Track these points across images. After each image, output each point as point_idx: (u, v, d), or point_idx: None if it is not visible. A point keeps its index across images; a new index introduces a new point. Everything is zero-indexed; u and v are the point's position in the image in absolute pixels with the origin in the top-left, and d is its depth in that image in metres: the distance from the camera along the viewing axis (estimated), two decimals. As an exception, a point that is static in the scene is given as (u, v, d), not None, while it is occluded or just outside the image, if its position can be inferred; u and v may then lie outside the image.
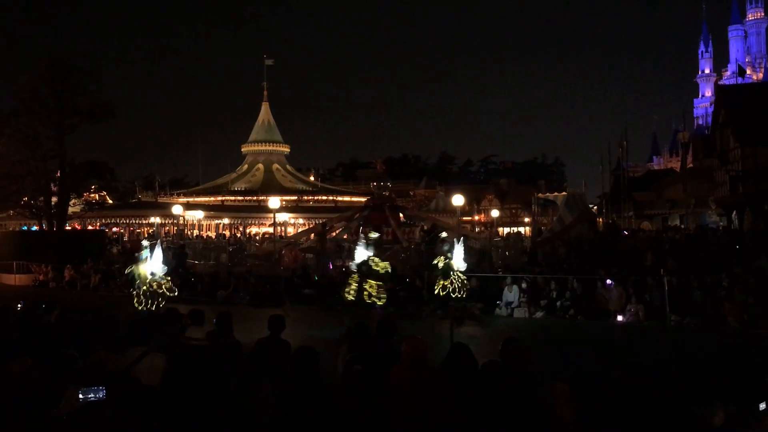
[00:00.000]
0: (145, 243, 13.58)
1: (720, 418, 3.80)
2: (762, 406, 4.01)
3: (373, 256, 12.56)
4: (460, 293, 11.65)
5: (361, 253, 12.57)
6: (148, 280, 11.52)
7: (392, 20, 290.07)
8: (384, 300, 12.39)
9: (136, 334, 6.13)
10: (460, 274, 11.75)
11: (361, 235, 16.01)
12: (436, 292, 12.07)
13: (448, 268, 11.80)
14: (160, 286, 11.85)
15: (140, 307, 11.81)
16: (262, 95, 66.00)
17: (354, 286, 12.35)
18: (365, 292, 12.17)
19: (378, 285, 12.29)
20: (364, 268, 12.34)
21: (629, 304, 14.90)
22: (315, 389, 4.71)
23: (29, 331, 7.38)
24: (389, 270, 12.70)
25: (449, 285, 11.63)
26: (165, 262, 11.91)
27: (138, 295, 11.80)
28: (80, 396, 3.71)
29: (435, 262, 12.29)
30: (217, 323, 7.49)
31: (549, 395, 4.53)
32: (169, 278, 11.88)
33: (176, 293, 12.14)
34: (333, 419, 4.48)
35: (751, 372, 4.04)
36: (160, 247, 12.75)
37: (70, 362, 4.50)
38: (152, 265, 11.64)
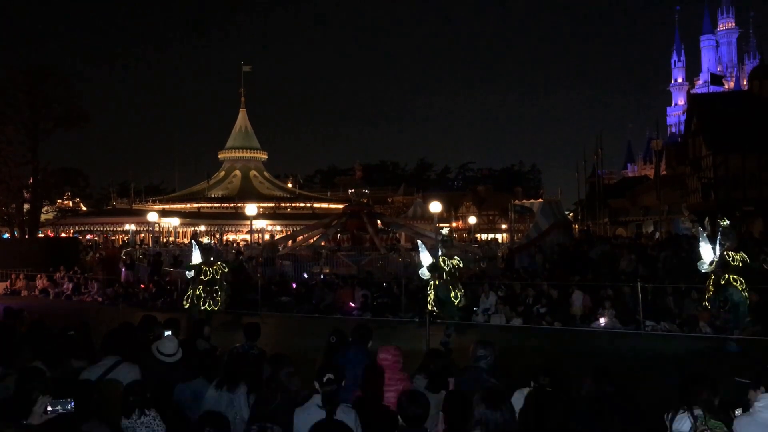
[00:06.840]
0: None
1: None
2: (738, 412, 4.06)
3: (444, 255, 12.45)
4: None
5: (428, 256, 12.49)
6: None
7: (371, 28, 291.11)
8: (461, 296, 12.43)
9: (110, 343, 6.06)
10: None
11: (436, 236, 15.67)
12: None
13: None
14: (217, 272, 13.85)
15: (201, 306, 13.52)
16: (240, 102, 65.73)
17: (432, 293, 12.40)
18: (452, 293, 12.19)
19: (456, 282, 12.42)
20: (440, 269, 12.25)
21: (603, 309, 15.04)
22: (288, 397, 4.70)
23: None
24: (461, 264, 12.72)
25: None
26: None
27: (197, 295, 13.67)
28: (49, 408, 3.67)
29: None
30: (193, 331, 7.42)
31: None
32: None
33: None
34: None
35: (712, 375, 4.10)
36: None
37: (38, 375, 4.43)
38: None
